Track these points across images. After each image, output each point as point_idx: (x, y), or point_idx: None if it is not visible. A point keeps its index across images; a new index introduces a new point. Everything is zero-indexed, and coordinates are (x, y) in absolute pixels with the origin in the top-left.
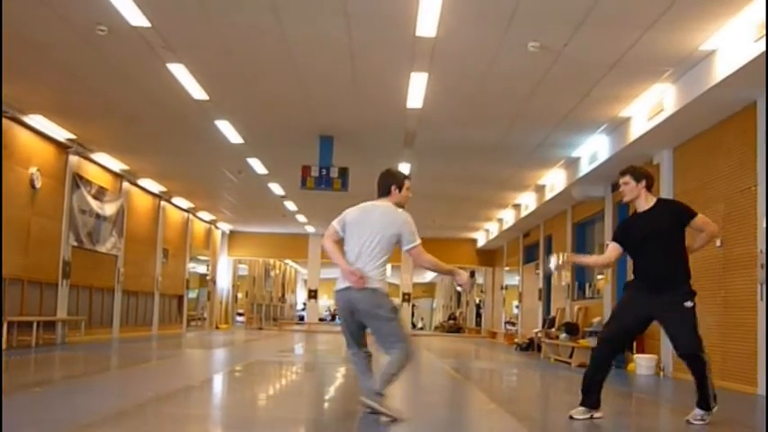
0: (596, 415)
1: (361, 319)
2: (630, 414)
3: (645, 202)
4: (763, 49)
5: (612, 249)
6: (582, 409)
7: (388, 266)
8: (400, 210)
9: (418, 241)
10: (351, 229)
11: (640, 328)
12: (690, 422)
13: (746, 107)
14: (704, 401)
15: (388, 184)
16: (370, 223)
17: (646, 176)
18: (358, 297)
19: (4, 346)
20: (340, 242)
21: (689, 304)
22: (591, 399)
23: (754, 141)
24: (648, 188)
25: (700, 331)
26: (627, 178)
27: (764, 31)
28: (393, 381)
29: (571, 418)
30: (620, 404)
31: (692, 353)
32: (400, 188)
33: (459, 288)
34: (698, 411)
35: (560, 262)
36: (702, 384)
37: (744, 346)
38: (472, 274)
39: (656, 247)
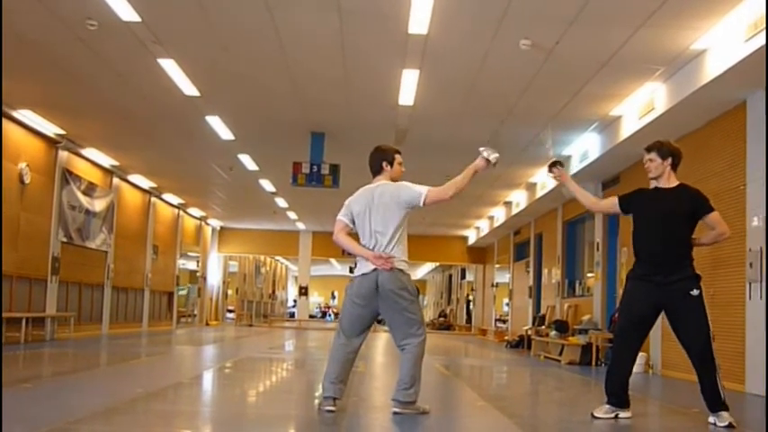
0: (623, 414)
1: (383, 304)
2: None
3: (667, 182)
4: (754, 48)
5: (608, 203)
6: (606, 407)
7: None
8: (393, 182)
9: (425, 189)
10: (360, 219)
11: (651, 318)
12: (717, 425)
13: (737, 107)
14: (718, 401)
15: (379, 161)
16: (374, 207)
17: (672, 154)
18: (386, 277)
19: None
20: (352, 233)
21: (695, 292)
22: (616, 398)
23: (744, 140)
24: (674, 167)
25: (709, 322)
26: (653, 155)
27: (755, 31)
28: (419, 376)
29: (593, 416)
30: None
31: (700, 345)
32: (391, 163)
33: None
34: (723, 414)
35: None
36: (713, 381)
37: (732, 344)
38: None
39: (669, 228)
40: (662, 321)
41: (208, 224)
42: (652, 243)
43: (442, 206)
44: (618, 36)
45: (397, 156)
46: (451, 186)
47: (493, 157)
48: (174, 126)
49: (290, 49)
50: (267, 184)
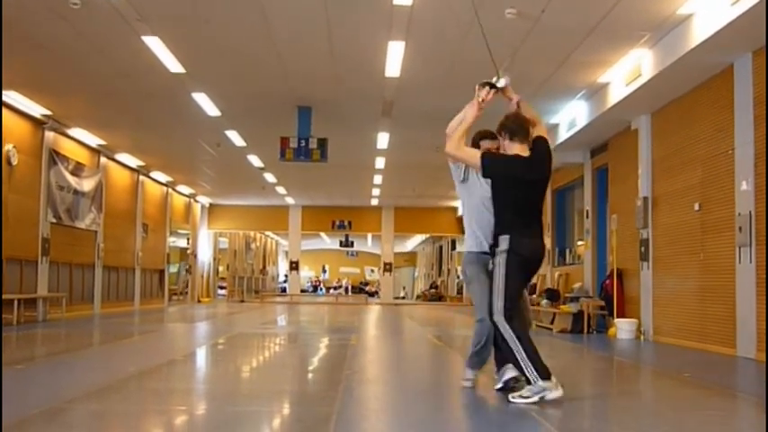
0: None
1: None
2: (611, 377)
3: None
4: (741, 11)
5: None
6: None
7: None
8: None
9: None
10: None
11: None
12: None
13: (723, 71)
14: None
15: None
16: None
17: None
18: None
19: None
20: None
21: (490, 266)
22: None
23: (731, 105)
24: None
25: (500, 296)
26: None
27: None
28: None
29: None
30: (601, 368)
31: (489, 317)
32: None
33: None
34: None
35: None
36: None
37: (722, 308)
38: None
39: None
40: (653, 288)
41: (197, 201)
42: None
43: (430, 177)
44: (604, 3)
45: (482, 142)
46: (454, 138)
47: (504, 81)
48: (160, 104)
49: (274, 23)
50: (255, 160)
